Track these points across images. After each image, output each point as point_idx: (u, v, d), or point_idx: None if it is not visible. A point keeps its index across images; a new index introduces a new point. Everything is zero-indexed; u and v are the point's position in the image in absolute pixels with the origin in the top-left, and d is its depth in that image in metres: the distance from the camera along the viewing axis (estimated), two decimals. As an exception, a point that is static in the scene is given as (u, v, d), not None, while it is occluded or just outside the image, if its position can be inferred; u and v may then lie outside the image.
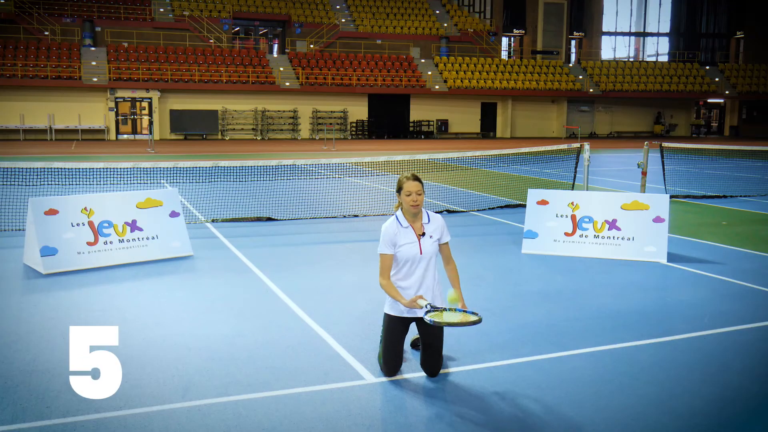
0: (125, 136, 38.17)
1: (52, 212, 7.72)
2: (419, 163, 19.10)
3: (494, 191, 14.78)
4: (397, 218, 4.75)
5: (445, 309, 4.47)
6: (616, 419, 4.13)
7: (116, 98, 37.90)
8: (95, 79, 37.32)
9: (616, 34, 59.07)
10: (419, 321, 4.70)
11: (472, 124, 45.92)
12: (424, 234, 4.71)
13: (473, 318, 4.31)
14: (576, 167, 12.52)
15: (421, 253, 4.68)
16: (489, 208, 12.54)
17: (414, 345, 5.24)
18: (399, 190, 4.73)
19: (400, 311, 4.71)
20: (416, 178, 4.70)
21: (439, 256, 4.85)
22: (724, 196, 14.44)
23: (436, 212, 12.71)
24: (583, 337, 5.58)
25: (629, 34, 59.76)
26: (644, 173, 11.63)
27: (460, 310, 4.45)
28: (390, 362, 4.72)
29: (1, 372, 4.76)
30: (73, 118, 37.12)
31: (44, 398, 4.33)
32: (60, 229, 7.72)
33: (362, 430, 3.98)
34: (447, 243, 4.83)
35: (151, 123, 38.20)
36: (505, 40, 54.76)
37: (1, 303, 6.48)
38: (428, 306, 4.49)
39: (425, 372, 4.75)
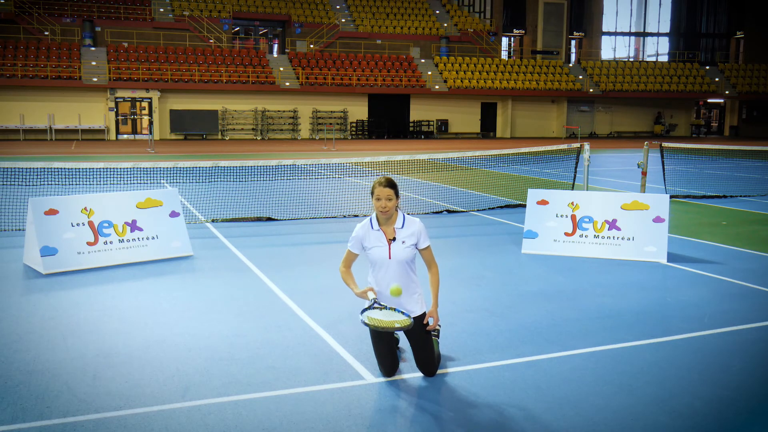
0: (125, 136, 38.20)
1: (52, 212, 7.72)
2: (419, 163, 19.11)
3: (494, 191, 14.79)
4: (371, 220, 4.75)
5: (385, 307, 4.49)
6: (616, 419, 4.13)
7: (116, 98, 37.92)
8: (95, 79, 37.33)
9: (616, 34, 59.14)
10: None
11: (472, 124, 45.94)
12: (394, 239, 4.67)
13: (399, 322, 4.31)
14: (576, 167, 12.53)
15: (389, 258, 4.65)
16: (489, 208, 12.54)
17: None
18: (372, 193, 4.68)
19: None
20: (389, 184, 4.62)
21: (421, 261, 4.83)
22: (724, 196, 14.43)
23: (436, 212, 12.58)
24: (583, 337, 5.58)
25: (629, 34, 59.82)
26: (644, 173, 11.63)
27: (398, 311, 4.46)
28: (385, 363, 4.70)
29: (1, 372, 4.75)
30: (73, 118, 37.15)
31: (44, 398, 4.33)
32: (60, 229, 7.72)
33: (362, 430, 3.98)
34: (427, 248, 4.75)
35: (151, 123, 38.22)
36: (505, 40, 54.79)
37: (1, 303, 6.47)
38: (373, 301, 4.52)
39: (421, 372, 4.74)
